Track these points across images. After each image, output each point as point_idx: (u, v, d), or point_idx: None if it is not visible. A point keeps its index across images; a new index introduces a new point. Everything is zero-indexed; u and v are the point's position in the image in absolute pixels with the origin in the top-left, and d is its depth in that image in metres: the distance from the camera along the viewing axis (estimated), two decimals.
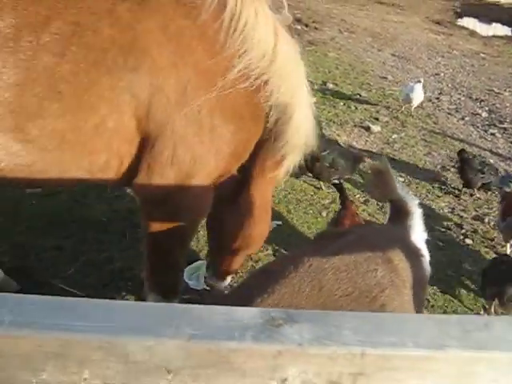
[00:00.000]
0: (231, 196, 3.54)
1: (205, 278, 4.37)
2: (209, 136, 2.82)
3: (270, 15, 2.95)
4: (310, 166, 6.04)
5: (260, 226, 3.72)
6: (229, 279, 4.29)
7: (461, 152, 6.35)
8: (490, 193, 6.39)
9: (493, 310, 4.45)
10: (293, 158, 3.36)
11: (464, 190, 6.36)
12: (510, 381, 0.94)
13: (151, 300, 3.47)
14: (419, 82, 8.32)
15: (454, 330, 0.95)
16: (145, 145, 2.75)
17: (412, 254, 2.69)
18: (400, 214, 2.98)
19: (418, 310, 2.55)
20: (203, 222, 3.88)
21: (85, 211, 5.32)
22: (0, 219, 5.07)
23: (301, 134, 3.21)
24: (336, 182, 5.35)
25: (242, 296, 2.36)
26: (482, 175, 6.06)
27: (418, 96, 8.32)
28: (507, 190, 5.37)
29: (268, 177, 3.44)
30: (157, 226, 3.09)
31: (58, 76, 2.46)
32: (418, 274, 2.64)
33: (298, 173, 6.30)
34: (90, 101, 2.54)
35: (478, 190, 6.29)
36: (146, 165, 2.80)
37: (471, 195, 6.33)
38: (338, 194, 5.07)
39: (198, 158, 2.84)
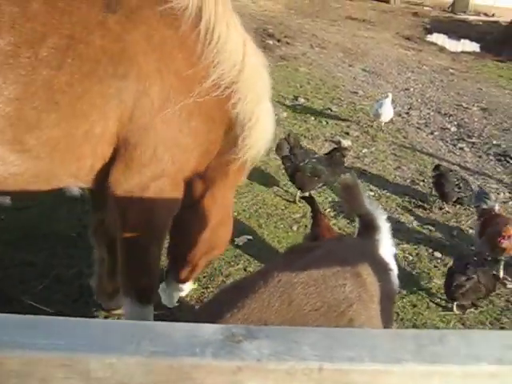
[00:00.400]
0: (193, 200, 3.61)
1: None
2: (186, 138, 3.01)
3: (240, 27, 3.14)
4: (292, 178, 6.11)
5: (223, 230, 3.84)
6: (189, 284, 4.30)
7: (437, 167, 6.44)
8: (458, 206, 6.48)
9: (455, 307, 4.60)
10: (253, 162, 3.57)
11: (434, 204, 6.45)
12: None
13: (127, 306, 3.53)
14: (387, 96, 8.41)
15: (410, 344, 0.97)
16: (123, 146, 2.89)
17: (380, 268, 2.73)
18: (368, 228, 3.01)
19: (386, 324, 2.58)
20: None
21: (55, 226, 5.28)
22: None
23: (264, 139, 3.41)
24: (306, 195, 5.32)
25: (212, 312, 2.36)
26: (459, 190, 6.15)
27: (387, 111, 8.40)
28: (484, 206, 5.43)
29: (230, 180, 3.61)
30: (131, 225, 3.17)
31: (56, 88, 2.59)
32: (386, 288, 2.68)
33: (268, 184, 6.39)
34: (82, 109, 2.69)
35: (448, 204, 6.38)
36: (123, 163, 2.93)
37: (440, 209, 6.40)
38: (310, 208, 5.08)
39: (175, 157, 3.01)
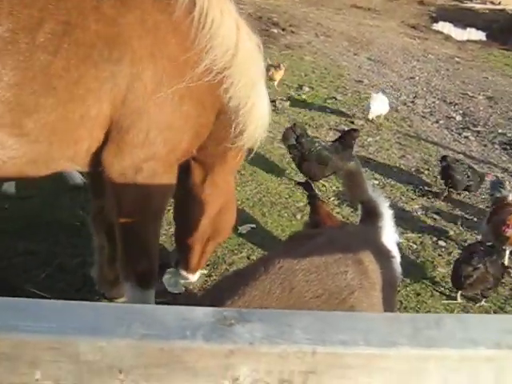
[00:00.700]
0: (194, 187, 3.72)
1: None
2: (178, 121, 3.07)
3: (234, 12, 3.17)
4: (300, 167, 6.08)
5: (226, 214, 3.93)
6: (199, 273, 4.36)
7: (444, 158, 6.42)
8: (463, 195, 6.45)
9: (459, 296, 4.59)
10: (251, 147, 3.62)
11: (439, 192, 6.43)
12: (459, 377, 0.95)
13: (128, 290, 3.57)
14: (378, 92, 8.29)
15: (406, 328, 0.95)
16: (116, 128, 2.94)
17: (382, 255, 2.71)
18: (371, 215, 2.99)
19: (389, 312, 2.56)
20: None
21: (58, 215, 5.27)
22: None
23: (260, 125, 3.45)
24: (302, 181, 5.23)
25: (214, 298, 2.35)
26: (468, 179, 6.15)
27: (377, 106, 8.18)
28: (498, 195, 5.41)
29: (229, 166, 3.69)
30: (126, 207, 3.23)
31: (53, 73, 2.65)
32: (389, 275, 2.66)
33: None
34: (79, 93, 2.74)
35: (454, 192, 6.36)
36: (116, 146, 2.98)
37: (445, 197, 6.37)
38: (307, 194, 5.02)
39: (167, 139, 3.07)
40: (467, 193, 6.43)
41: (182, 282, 4.42)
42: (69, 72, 2.68)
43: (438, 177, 6.61)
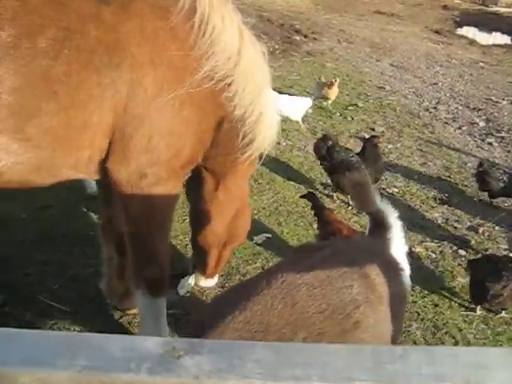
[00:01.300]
0: (210, 194, 3.77)
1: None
2: (179, 126, 3.07)
3: (236, 20, 3.16)
4: (331, 179, 6.06)
5: (241, 218, 3.98)
6: (216, 278, 4.42)
7: (480, 164, 6.40)
8: (485, 203, 6.32)
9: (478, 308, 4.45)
10: (261, 152, 3.60)
11: (459, 200, 6.31)
12: None
13: (139, 298, 3.57)
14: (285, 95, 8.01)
15: (367, 362, 0.88)
16: (119, 135, 2.95)
17: (390, 268, 2.63)
18: (379, 227, 2.91)
19: (396, 327, 2.48)
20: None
21: (73, 225, 5.28)
22: None
23: (269, 133, 3.45)
24: (304, 194, 5.10)
25: (215, 312, 2.31)
26: (504, 184, 6.12)
27: (288, 109, 7.70)
28: None
29: (241, 173, 3.70)
30: (133, 214, 3.24)
31: (54, 78, 2.67)
32: (397, 288, 2.58)
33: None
34: (80, 99, 2.76)
35: (494, 199, 6.28)
36: (120, 152, 2.99)
37: (469, 205, 6.25)
38: (312, 205, 4.90)
39: (169, 145, 3.07)
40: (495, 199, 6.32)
41: (192, 283, 4.47)
42: (70, 77, 2.70)
43: (472, 180, 6.55)
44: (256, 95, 3.25)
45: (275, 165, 6.68)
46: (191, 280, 4.47)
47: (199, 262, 4.23)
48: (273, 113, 3.44)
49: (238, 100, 3.18)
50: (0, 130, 2.68)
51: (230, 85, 3.13)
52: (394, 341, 2.52)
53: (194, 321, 2.48)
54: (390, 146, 7.75)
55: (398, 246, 2.85)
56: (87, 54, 2.74)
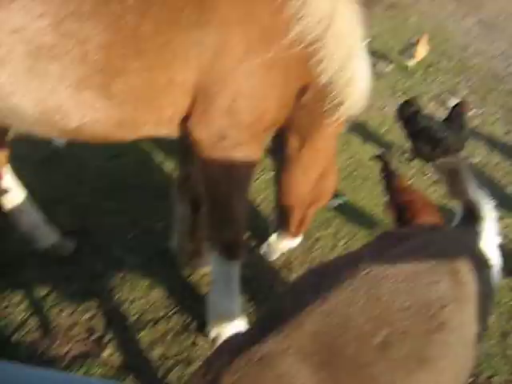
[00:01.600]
0: (295, 153, 3.69)
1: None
2: (264, 89, 2.98)
3: None
4: (414, 147, 5.88)
5: (327, 179, 3.95)
6: (300, 238, 4.45)
7: None
8: None
9: None
10: (349, 114, 3.47)
11: None
12: None
13: (213, 260, 3.60)
14: None
15: None
16: (202, 95, 2.90)
17: (480, 264, 2.50)
18: (471, 217, 2.76)
19: (480, 329, 2.37)
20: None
21: (147, 176, 5.30)
22: (63, 180, 5.11)
23: (358, 98, 3.30)
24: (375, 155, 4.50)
25: (296, 300, 2.23)
26: None
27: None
28: None
29: (328, 131, 3.58)
30: (211, 175, 3.22)
31: (141, 36, 2.64)
32: (486, 287, 2.45)
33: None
34: (166, 57, 2.72)
35: None
36: (202, 112, 2.95)
37: None
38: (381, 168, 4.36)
39: (253, 108, 2.99)
40: None
41: (280, 248, 4.49)
42: (157, 35, 2.66)
43: None
44: (346, 60, 3.10)
45: (352, 126, 6.47)
46: (273, 240, 4.48)
47: (283, 222, 4.24)
48: (364, 76, 3.26)
49: (326, 65, 3.04)
50: (86, 86, 2.68)
51: (318, 49, 2.98)
52: (476, 344, 2.40)
53: (271, 306, 2.42)
54: (472, 111, 7.40)
55: (490, 239, 2.70)
56: (175, 12, 2.67)
